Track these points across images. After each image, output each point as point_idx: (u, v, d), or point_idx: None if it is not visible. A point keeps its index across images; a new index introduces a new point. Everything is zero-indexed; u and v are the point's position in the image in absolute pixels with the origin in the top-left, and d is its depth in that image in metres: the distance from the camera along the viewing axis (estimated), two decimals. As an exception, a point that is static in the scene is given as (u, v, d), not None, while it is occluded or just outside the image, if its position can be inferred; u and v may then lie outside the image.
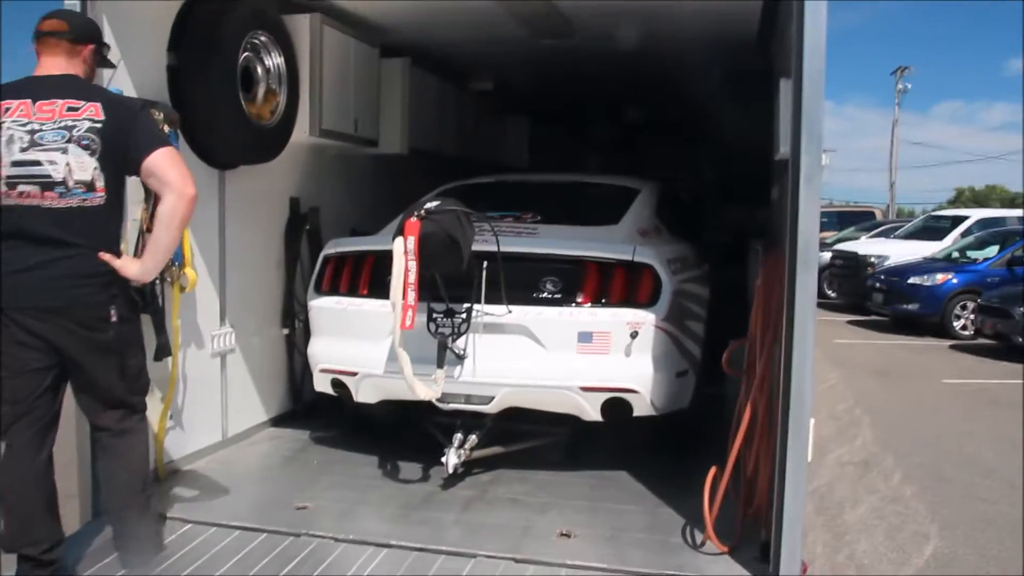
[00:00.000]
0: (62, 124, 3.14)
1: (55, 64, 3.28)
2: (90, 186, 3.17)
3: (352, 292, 4.73)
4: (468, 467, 4.51)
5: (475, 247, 4.25)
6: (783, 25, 3.72)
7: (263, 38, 4.92)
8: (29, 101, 3.17)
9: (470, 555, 3.56)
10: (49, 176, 3.12)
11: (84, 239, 3.18)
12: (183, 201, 3.19)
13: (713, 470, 3.64)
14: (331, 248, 4.93)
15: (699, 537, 3.65)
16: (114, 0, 3.95)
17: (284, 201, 5.64)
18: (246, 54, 4.80)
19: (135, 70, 4.18)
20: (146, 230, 4.09)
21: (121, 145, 3.19)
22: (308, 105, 5.34)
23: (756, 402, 3.64)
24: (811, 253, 3.16)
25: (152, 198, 3.79)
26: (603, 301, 4.33)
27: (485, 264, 4.32)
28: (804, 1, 3.10)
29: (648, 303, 4.32)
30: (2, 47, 18.70)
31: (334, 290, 4.79)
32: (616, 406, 4.34)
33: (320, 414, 5.64)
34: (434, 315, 4.35)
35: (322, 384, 4.85)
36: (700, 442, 4.53)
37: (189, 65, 4.47)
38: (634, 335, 4.25)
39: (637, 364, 4.30)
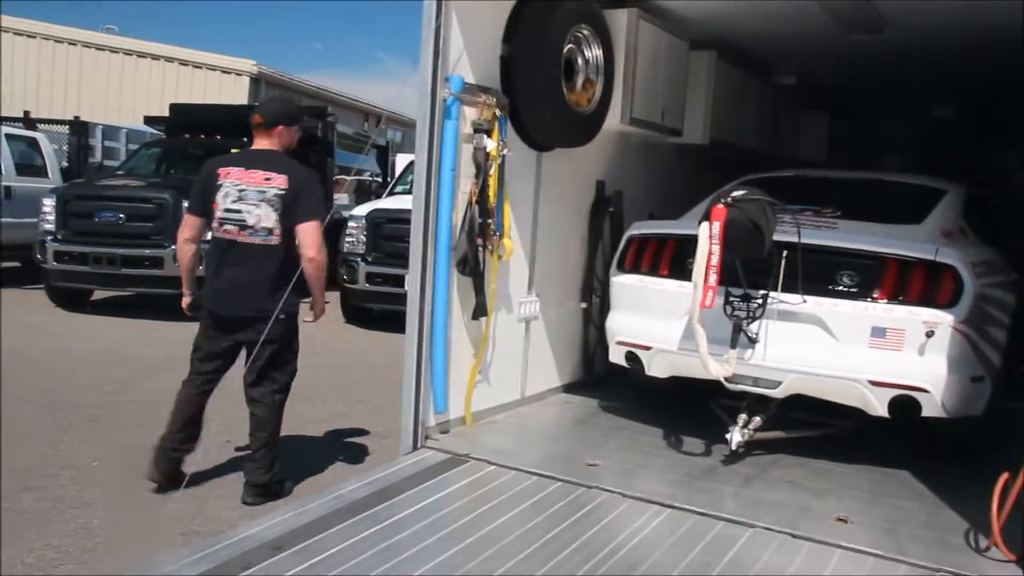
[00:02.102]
0: (259, 188, 4.38)
1: (259, 143, 4.57)
2: (270, 232, 4.38)
3: (652, 272, 5.00)
4: (749, 448, 4.67)
5: (776, 237, 4.40)
6: None
7: (585, 31, 5.31)
8: (242, 168, 4.44)
9: (748, 525, 3.74)
10: (244, 221, 4.36)
11: (263, 265, 4.41)
12: (312, 265, 4.38)
13: (1005, 475, 3.57)
14: (636, 229, 5.23)
15: (983, 542, 3.61)
16: (462, 0, 4.49)
17: (591, 183, 6.04)
18: (569, 46, 5.20)
19: (475, 60, 4.71)
20: (473, 203, 4.66)
21: (292, 207, 4.36)
22: (621, 94, 5.69)
23: None
24: None
25: (482, 176, 4.55)
26: (900, 298, 4.34)
27: (784, 253, 4.43)
28: None
29: (947, 304, 4.29)
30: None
31: (635, 269, 5.08)
32: (904, 404, 4.32)
33: (608, 386, 6.00)
34: (731, 299, 4.52)
35: (617, 356, 5.15)
36: (991, 452, 4.39)
37: (519, 55, 4.94)
38: (930, 334, 4.22)
39: (930, 363, 4.27)
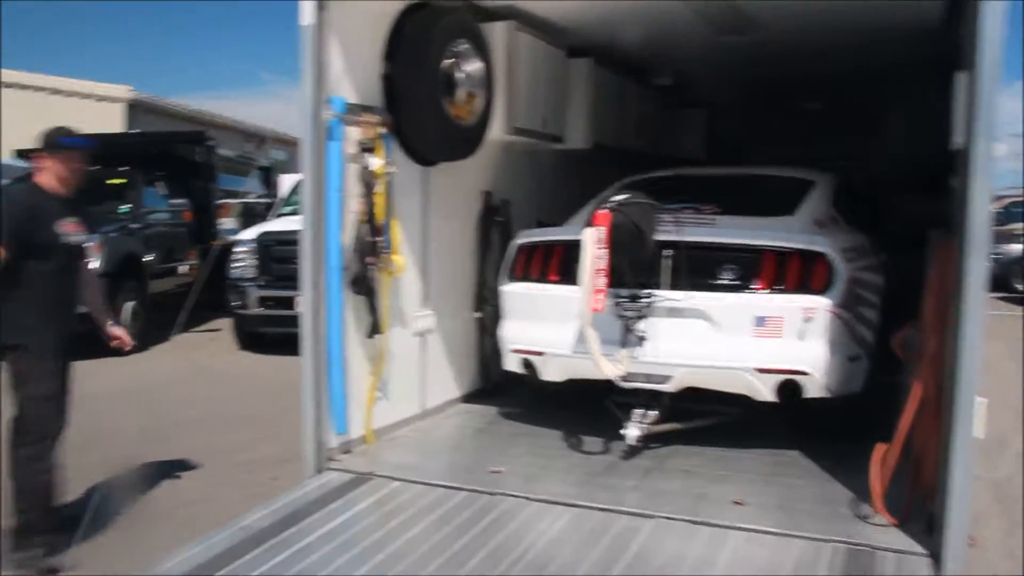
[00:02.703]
0: None
1: None
2: None
3: (541, 278, 5.09)
4: (646, 442, 4.78)
5: (658, 236, 4.56)
6: (963, 17, 3.81)
7: (464, 46, 5.38)
8: None
9: (649, 516, 3.86)
10: None
11: None
12: None
13: (881, 446, 3.80)
14: (523, 238, 5.34)
15: (868, 510, 3.81)
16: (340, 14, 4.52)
17: (478, 194, 6.12)
18: (449, 61, 5.27)
19: (357, 80, 4.74)
20: (362, 222, 4.68)
21: None
22: (503, 105, 5.80)
23: (926, 382, 3.76)
24: (982, 240, 3.27)
25: (369, 194, 4.55)
26: (779, 287, 4.52)
27: (667, 252, 4.60)
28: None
29: (822, 290, 4.48)
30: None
31: (525, 276, 5.18)
32: (789, 388, 4.50)
33: (506, 392, 6.07)
34: (619, 299, 4.63)
35: (512, 363, 5.23)
36: (874, 427, 4.63)
37: (400, 73, 4.98)
38: (808, 320, 4.42)
39: (810, 347, 4.45)
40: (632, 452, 4.76)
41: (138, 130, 19.84)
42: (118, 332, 4.88)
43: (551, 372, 5.06)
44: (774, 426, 5.15)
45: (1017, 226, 20.06)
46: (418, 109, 5.01)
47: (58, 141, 4.54)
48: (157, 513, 5.19)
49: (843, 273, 4.53)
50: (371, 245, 4.72)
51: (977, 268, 3.29)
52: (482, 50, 5.51)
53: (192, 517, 4.79)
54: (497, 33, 5.76)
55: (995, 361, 11.06)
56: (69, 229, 4.52)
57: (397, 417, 5.28)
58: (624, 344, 4.64)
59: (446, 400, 5.88)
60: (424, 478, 4.42)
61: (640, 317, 4.63)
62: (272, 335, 10.68)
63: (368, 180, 4.70)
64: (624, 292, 4.65)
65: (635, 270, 4.64)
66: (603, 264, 4.44)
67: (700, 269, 4.61)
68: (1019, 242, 18.03)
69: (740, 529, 3.72)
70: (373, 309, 4.81)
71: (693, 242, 4.60)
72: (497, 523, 3.89)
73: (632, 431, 4.64)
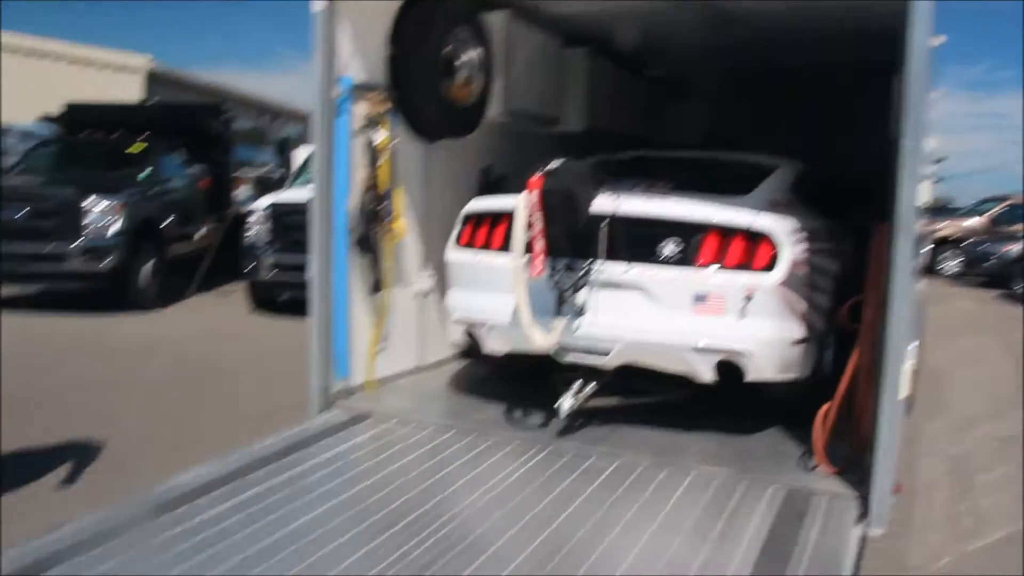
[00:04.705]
0: None
1: None
2: None
3: (486, 247, 5.06)
4: (586, 417, 4.84)
5: (599, 208, 4.56)
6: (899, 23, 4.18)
7: (465, 32, 5.87)
8: None
9: (616, 455, 4.36)
10: None
11: None
12: None
13: (825, 406, 4.22)
14: (469, 207, 5.30)
15: (812, 462, 4.23)
16: (349, 0, 5.00)
17: (477, 169, 6.61)
18: (450, 46, 5.76)
19: (365, 61, 5.22)
20: (367, 190, 5.19)
21: None
22: (500, 89, 6.30)
23: (864, 350, 4.18)
24: (909, 224, 3.67)
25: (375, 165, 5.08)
26: (721, 265, 4.45)
27: (607, 223, 4.57)
28: (912, 2, 3.60)
29: (765, 269, 4.42)
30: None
31: (470, 245, 5.15)
32: (729, 368, 4.46)
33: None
34: (555, 269, 4.60)
35: (455, 333, 5.26)
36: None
37: (404, 56, 5.46)
38: (749, 299, 4.37)
39: (750, 327, 4.40)
40: (584, 421, 4.84)
41: (157, 99, 20.34)
42: None
43: (493, 343, 5.02)
44: (731, 408, 5.12)
45: (1018, 227, 20.55)
46: (419, 90, 5.51)
47: None
48: (173, 443, 5.84)
49: (787, 254, 4.46)
50: (375, 211, 5.24)
51: (905, 249, 3.69)
52: (481, 37, 6.00)
53: (207, 449, 5.32)
54: (495, 22, 6.25)
55: (979, 352, 11.59)
56: None
57: (396, 369, 5.78)
58: (558, 315, 4.62)
59: (442, 357, 6.35)
60: (418, 418, 4.95)
61: (576, 288, 4.60)
62: (285, 299, 11.26)
63: (373, 153, 5.20)
64: (561, 262, 4.61)
65: (571, 239, 4.57)
66: (541, 228, 4.43)
67: (641, 242, 4.56)
68: (1019, 243, 18.44)
69: (695, 469, 4.21)
70: (376, 268, 5.33)
71: (634, 214, 4.58)
72: (480, 457, 4.40)
73: (566, 403, 4.65)
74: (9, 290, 11.86)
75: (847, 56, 7.29)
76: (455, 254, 5.24)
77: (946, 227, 22.70)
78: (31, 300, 11.87)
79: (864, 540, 3.68)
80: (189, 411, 6.91)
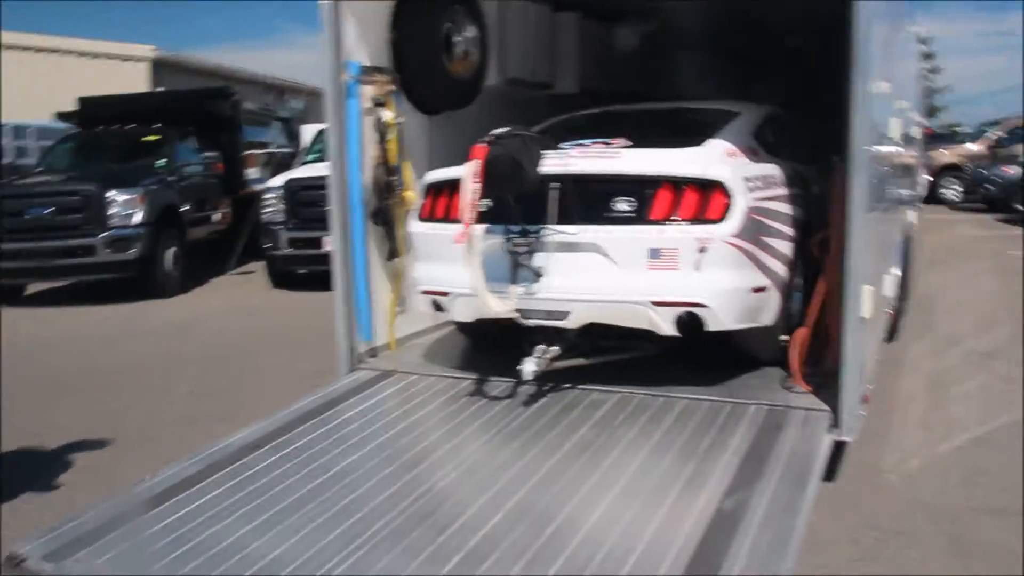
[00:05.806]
0: None
1: None
2: None
3: (446, 218, 5.01)
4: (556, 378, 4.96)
5: (548, 169, 4.56)
6: None
7: (460, 10, 6.28)
8: None
9: (612, 392, 4.82)
10: None
11: None
12: None
13: (800, 330, 4.71)
14: (428, 177, 5.32)
15: (791, 383, 4.70)
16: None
17: (479, 137, 7.00)
18: (447, 24, 6.16)
19: (369, 46, 5.65)
20: (378, 164, 5.63)
21: None
22: (495, 59, 6.72)
23: (831, 277, 4.65)
24: (862, 161, 4.07)
25: (384, 141, 5.45)
26: (673, 218, 4.42)
27: (557, 185, 4.58)
28: None
29: (718, 220, 4.38)
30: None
31: (431, 216, 5.16)
32: (688, 321, 4.46)
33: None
34: (509, 235, 4.63)
35: (423, 305, 5.24)
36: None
37: (405, 38, 5.88)
38: (703, 251, 4.33)
39: (705, 279, 4.37)
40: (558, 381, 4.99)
41: (163, 88, 20.73)
42: None
43: (459, 312, 5.06)
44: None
45: (1017, 148, 20.72)
46: (421, 69, 5.93)
47: None
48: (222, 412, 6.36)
49: (742, 202, 4.41)
50: (387, 184, 5.67)
51: (859, 183, 4.12)
52: (475, 14, 6.40)
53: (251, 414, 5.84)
54: (488, -3, 6.65)
55: (972, 275, 12.00)
56: None
57: (415, 329, 6.25)
58: (514, 280, 4.64)
59: (458, 318, 6.83)
60: (437, 372, 5.43)
61: (531, 252, 4.61)
62: (303, 273, 11.74)
63: (382, 130, 5.63)
64: (515, 227, 4.63)
65: (520, 204, 4.61)
66: (473, 198, 4.46)
67: (593, 202, 4.56)
68: (1020, 164, 18.68)
69: (685, 398, 4.67)
70: (391, 237, 5.78)
71: (584, 174, 4.60)
72: (495, 401, 4.88)
73: (528, 366, 4.64)
74: (35, 287, 12.48)
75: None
76: (417, 226, 5.25)
77: (948, 153, 22.99)
78: (61, 293, 12.44)
79: (839, 446, 4.15)
80: (233, 382, 7.55)
